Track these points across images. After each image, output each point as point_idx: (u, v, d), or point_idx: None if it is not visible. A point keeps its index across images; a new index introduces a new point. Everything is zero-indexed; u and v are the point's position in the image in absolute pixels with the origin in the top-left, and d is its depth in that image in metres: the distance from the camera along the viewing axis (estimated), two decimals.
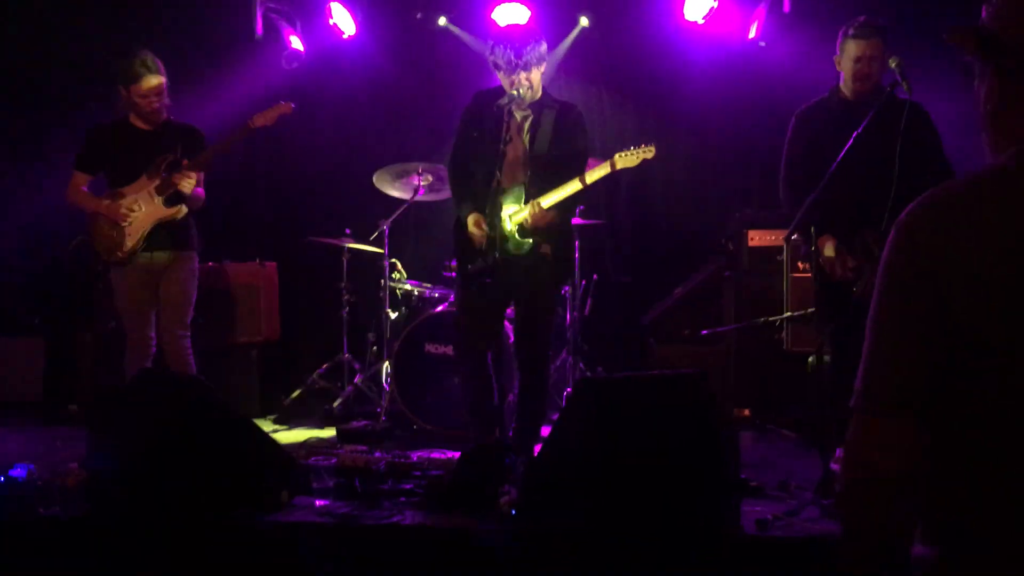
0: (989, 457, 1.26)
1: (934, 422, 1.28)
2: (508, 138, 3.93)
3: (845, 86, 3.98)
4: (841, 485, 1.34)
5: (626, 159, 3.99)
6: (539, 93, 4.07)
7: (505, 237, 3.96)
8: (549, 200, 3.90)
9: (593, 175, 3.95)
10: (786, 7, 5.95)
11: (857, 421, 1.31)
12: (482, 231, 3.93)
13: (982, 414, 1.25)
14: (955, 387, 1.26)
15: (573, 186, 3.91)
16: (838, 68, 3.99)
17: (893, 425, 1.28)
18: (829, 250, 3.79)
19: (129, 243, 4.49)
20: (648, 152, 3.99)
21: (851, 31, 3.89)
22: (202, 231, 4.78)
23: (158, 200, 4.50)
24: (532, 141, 4.01)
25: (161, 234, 4.53)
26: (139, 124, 4.59)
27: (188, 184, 4.44)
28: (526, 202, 3.94)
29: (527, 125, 4.05)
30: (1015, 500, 1.24)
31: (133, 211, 4.50)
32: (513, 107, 4.00)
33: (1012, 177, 1.28)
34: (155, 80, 4.47)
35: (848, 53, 3.90)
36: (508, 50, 3.92)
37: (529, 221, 3.89)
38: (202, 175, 4.60)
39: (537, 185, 3.96)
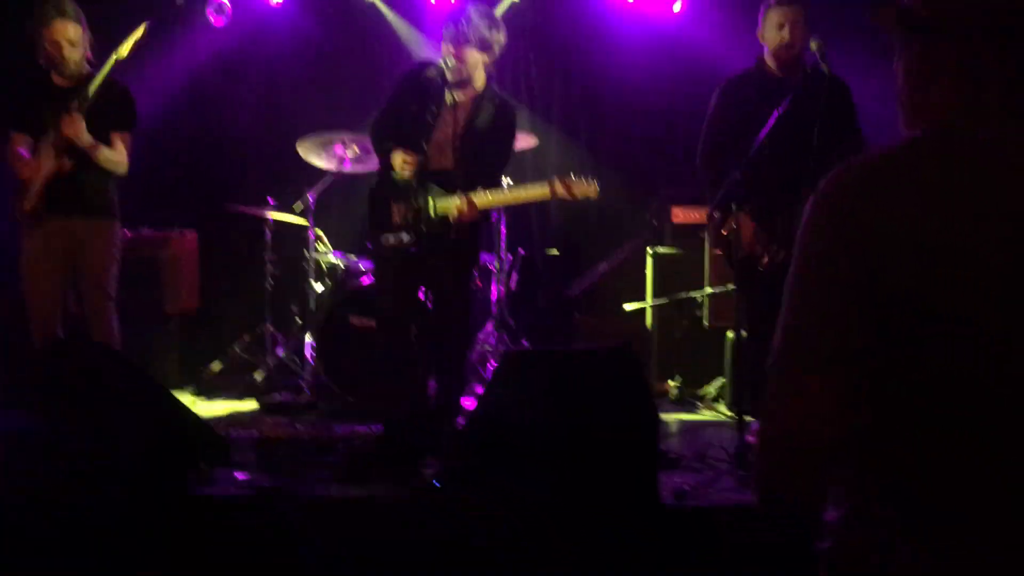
0: (934, 422, 1.26)
1: (866, 386, 1.28)
2: (435, 111, 3.90)
3: (769, 58, 4.03)
4: (758, 443, 1.35)
5: (567, 189, 3.84)
6: (479, 82, 3.98)
7: (428, 216, 3.90)
8: (483, 201, 3.82)
9: (529, 193, 3.90)
10: None
11: (773, 380, 1.31)
12: (411, 165, 3.82)
13: (924, 379, 1.26)
14: (892, 353, 1.27)
15: (510, 195, 3.86)
16: (761, 41, 4.04)
17: (809, 382, 1.27)
18: (741, 220, 3.80)
19: (29, 200, 4.20)
20: (592, 191, 3.85)
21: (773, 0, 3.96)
22: (121, 197, 4.55)
23: (52, 154, 4.16)
24: (466, 130, 3.93)
25: (68, 197, 4.21)
26: (58, 80, 4.28)
27: (69, 127, 4.08)
28: (452, 190, 3.86)
29: (464, 112, 3.98)
30: (959, 464, 1.25)
31: (37, 168, 4.19)
32: (454, 91, 3.95)
33: (929, 147, 1.31)
34: (66, 26, 4.17)
35: (771, 21, 3.96)
36: (461, 19, 3.87)
37: (455, 215, 3.82)
38: (126, 136, 4.31)
39: (464, 175, 3.89)
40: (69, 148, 4.15)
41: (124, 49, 4.19)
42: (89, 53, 4.31)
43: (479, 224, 4.02)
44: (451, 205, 3.83)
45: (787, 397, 1.29)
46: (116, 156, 4.27)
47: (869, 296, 1.25)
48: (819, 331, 1.28)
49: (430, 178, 3.91)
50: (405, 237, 3.87)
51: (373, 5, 6.50)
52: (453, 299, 4.01)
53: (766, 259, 3.84)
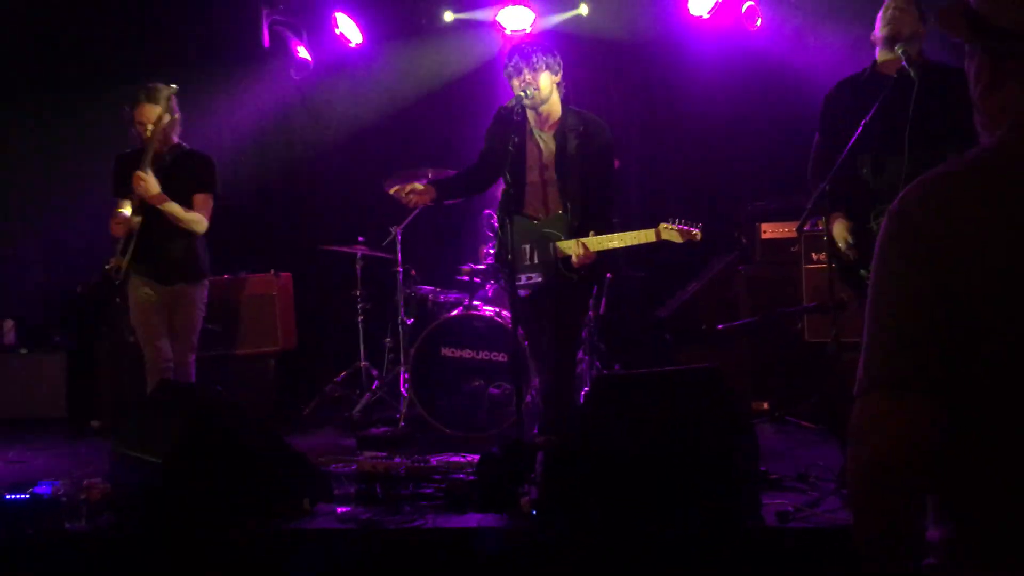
0: (1001, 438, 1.24)
1: (947, 402, 1.26)
2: (517, 142, 3.96)
3: (880, 52, 3.78)
4: (847, 468, 1.33)
5: (672, 233, 3.91)
6: (556, 108, 4.06)
7: (555, 259, 4.02)
8: (596, 245, 3.94)
9: (637, 237, 3.97)
10: None
11: (859, 403, 1.29)
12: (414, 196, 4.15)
13: (990, 396, 1.24)
14: (963, 368, 1.24)
15: (619, 240, 3.95)
16: (873, 41, 3.80)
17: (897, 404, 1.25)
18: (839, 229, 3.69)
19: (121, 261, 4.54)
20: (696, 235, 3.91)
21: None
22: (212, 245, 4.79)
23: (129, 213, 4.53)
24: (561, 169, 4.02)
25: (160, 265, 4.57)
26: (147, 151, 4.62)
27: (138, 186, 4.40)
28: (569, 236, 3.99)
29: (550, 149, 4.05)
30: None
31: (133, 229, 4.52)
32: (535, 128, 4.06)
33: (1000, 157, 1.28)
34: (146, 108, 4.52)
35: (881, 14, 3.78)
36: (515, 53, 3.98)
37: (575, 261, 3.96)
38: (208, 198, 4.63)
39: (579, 217, 4.00)
40: (143, 206, 4.50)
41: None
42: (175, 137, 4.65)
43: (598, 262, 4.10)
44: (569, 250, 3.96)
45: (871, 420, 1.28)
46: (194, 215, 4.59)
47: (940, 314, 1.23)
48: (899, 349, 1.25)
49: (549, 223, 4.05)
50: (536, 278, 4.05)
51: (452, 26, 6.57)
52: (568, 327, 4.12)
53: (865, 269, 3.70)
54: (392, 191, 4.12)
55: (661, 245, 3.97)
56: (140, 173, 4.41)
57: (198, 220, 4.60)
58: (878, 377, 1.27)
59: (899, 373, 1.25)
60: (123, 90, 4.74)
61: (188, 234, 4.60)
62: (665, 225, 3.92)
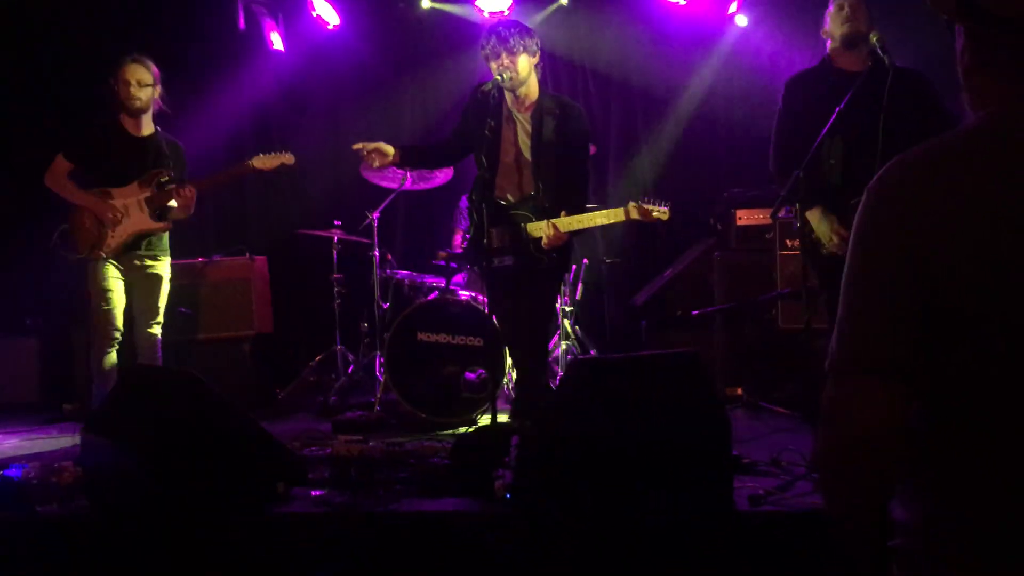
0: (979, 420, 1.24)
1: (918, 384, 1.26)
2: (493, 125, 3.95)
3: (834, 53, 3.90)
4: (817, 447, 1.33)
5: (641, 212, 3.98)
6: (533, 90, 4.07)
7: (525, 241, 4.02)
8: (566, 226, 3.96)
9: (606, 217, 4.01)
10: None
11: (832, 382, 1.29)
12: (374, 155, 4.07)
13: (968, 378, 1.24)
14: (940, 350, 1.24)
15: (588, 220, 3.97)
16: (825, 36, 3.91)
17: (870, 384, 1.25)
18: (815, 217, 3.75)
19: (112, 244, 4.63)
20: (663, 213, 3.98)
21: None
22: (187, 229, 4.89)
23: (146, 211, 4.65)
24: (536, 149, 4.03)
25: (140, 240, 4.68)
26: (132, 129, 4.69)
27: (184, 209, 4.64)
28: (539, 217, 4.00)
29: (525, 127, 4.05)
30: (1000, 465, 1.23)
31: (121, 215, 4.63)
32: (512, 110, 4.05)
33: (981, 138, 1.28)
34: (138, 68, 4.59)
35: (834, 11, 3.85)
36: (492, 35, 3.96)
37: (546, 241, 3.97)
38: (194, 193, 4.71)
39: (549, 199, 4.01)
40: (164, 210, 4.67)
41: (268, 164, 4.76)
42: (160, 103, 4.72)
43: (570, 243, 4.10)
44: (540, 231, 3.98)
45: (846, 400, 1.27)
46: (191, 211, 4.74)
47: (922, 292, 1.23)
48: (874, 330, 1.25)
49: (520, 205, 4.05)
50: (508, 260, 4.06)
51: (429, 14, 6.55)
52: (541, 310, 4.17)
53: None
54: (356, 147, 4.11)
55: (636, 228, 4.01)
56: (191, 192, 4.57)
57: (190, 213, 4.74)
58: (851, 359, 1.27)
59: (873, 356, 1.25)
60: (96, 66, 4.75)
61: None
62: (633, 204, 3.99)
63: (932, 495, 1.30)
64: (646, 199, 4.00)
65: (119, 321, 4.68)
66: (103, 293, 4.66)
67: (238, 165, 4.80)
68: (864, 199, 1.30)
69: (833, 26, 3.84)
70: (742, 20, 6.22)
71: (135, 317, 4.74)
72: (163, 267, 4.78)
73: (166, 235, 4.78)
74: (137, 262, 4.70)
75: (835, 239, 3.70)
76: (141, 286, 4.72)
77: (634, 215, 3.98)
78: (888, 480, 1.29)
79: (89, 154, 4.69)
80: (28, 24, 6.49)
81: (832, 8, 3.86)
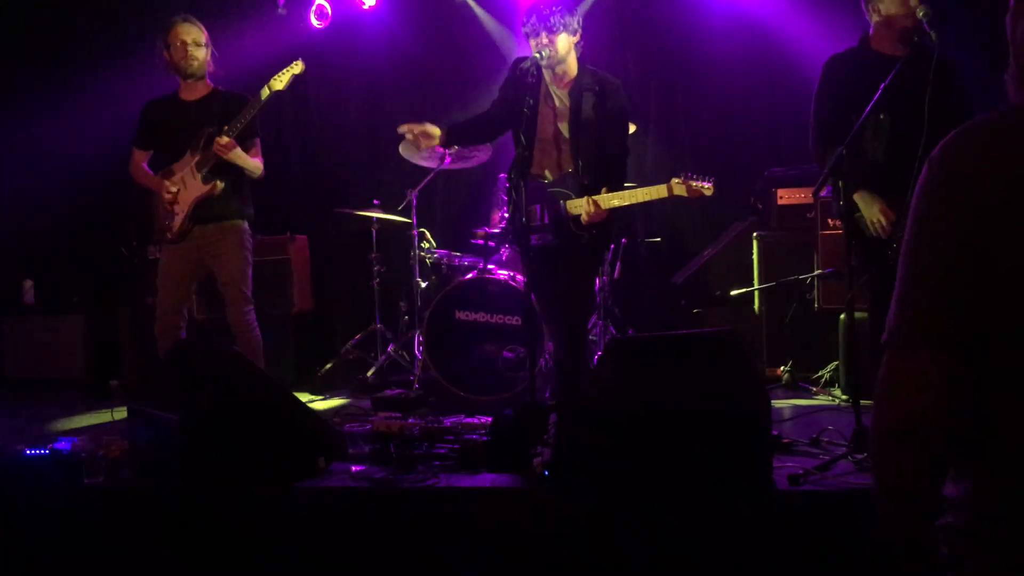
0: None
1: (975, 358, 1.24)
2: (532, 103, 3.94)
3: (876, 33, 3.82)
4: (873, 424, 1.31)
5: (683, 188, 3.91)
6: (572, 67, 4.04)
7: (565, 219, 3.99)
8: (608, 202, 3.91)
9: (649, 193, 3.96)
10: None
11: (890, 356, 1.27)
12: (417, 134, 4.00)
13: (1020, 355, 1.21)
14: (995, 325, 1.22)
15: (630, 196, 3.93)
16: (873, 9, 3.80)
17: (927, 360, 1.23)
18: (861, 200, 3.68)
19: (176, 224, 4.49)
20: (707, 189, 3.92)
21: None
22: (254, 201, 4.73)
23: (198, 177, 4.46)
24: (574, 126, 4.00)
25: (203, 210, 4.49)
26: (186, 95, 4.57)
27: (225, 149, 4.35)
28: (579, 194, 3.95)
29: (565, 104, 4.03)
30: None
31: (175, 190, 4.48)
32: (551, 86, 4.02)
33: None
34: (190, 27, 4.47)
35: None
36: (534, 13, 3.95)
37: (585, 219, 3.93)
38: (257, 142, 4.57)
39: (588, 176, 3.97)
40: (216, 170, 4.44)
41: (280, 82, 4.46)
42: (211, 65, 4.57)
43: (610, 220, 4.07)
44: (580, 208, 3.93)
45: (902, 374, 1.25)
46: (255, 162, 4.56)
47: (988, 265, 1.20)
48: (935, 303, 1.23)
49: (559, 183, 4.02)
50: (547, 238, 4.02)
51: (464, 4, 6.56)
52: (580, 288, 4.11)
53: (895, 243, 3.66)
54: (402, 129, 4.07)
55: (680, 206, 3.97)
56: (230, 141, 4.34)
57: (259, 166, 4.58)
58: (909, 333, 1.25)
59: (931, 330, 1.23)
60: (144, 36, 4.68)
61: (235, 177, 4.54)
62: (676, 180, 3.93)
63: (984, 471, 1.28)
64: (688, 174, 3.94)
65: (177, 310, 4.54)
66: (167, 272, 4.55)
67: (255, 98, 4.42)
68: (926, 170, 1.27)
69: (888, 2, 3.73)
70: None
71: (222, 294, 4.59)
72: (234, 231, 4.54)
73: (236, 198, 4.55)
74: (205, 231, 4.51)
75: (883, 220, 3.64)
76: (219, 258, 4.53)
77: (677, 191, 3.92)
78: (942, 456, 1.28)
79: (155, 136, 4.60)
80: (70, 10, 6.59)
81: None
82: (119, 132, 4.96)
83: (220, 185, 4.47)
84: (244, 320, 4.55)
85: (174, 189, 4.48)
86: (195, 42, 4.48)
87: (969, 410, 1.26)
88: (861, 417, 3.49)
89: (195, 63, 4.50)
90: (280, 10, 6.36)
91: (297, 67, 4.48)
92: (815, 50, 5.14)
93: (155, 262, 4.78)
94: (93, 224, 6.58)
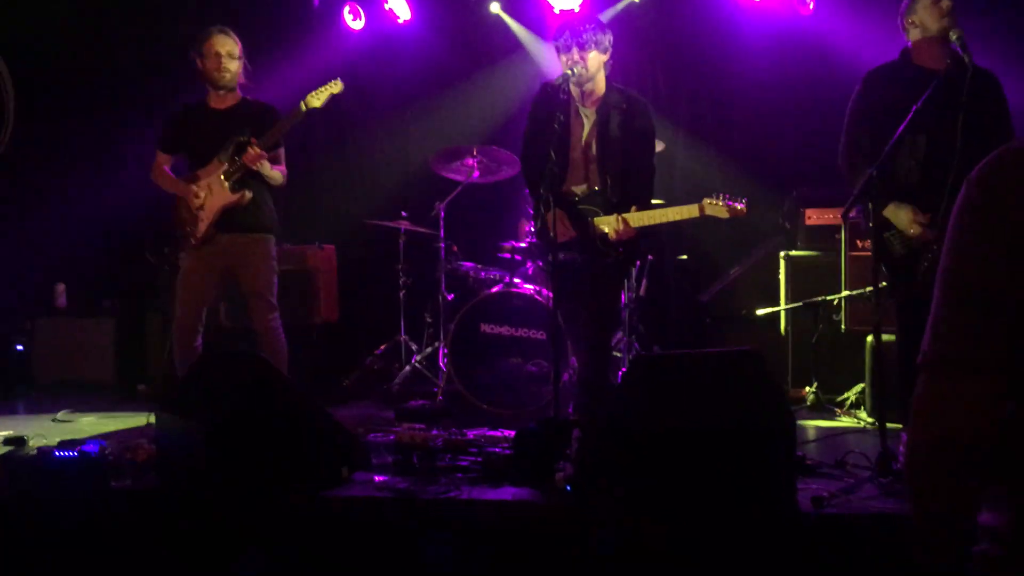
0: None
1: (1015, 382, 1.21)
2: (563, 120, 3.95)
3: (916, 48, 3.78)
4: (909, 447, 1.29)
5: (716, 208, 3.90)
6: (600, 85, 4.04)
7: (593, 236, 3.99)
8: (637, 221, 3.91)
9: (680, 212, 3.96)
10: None
11: (928, 378, 1.25)
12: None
13: None
14: None
15: (661, 215, 3.93)
16: (908, 29, 3.79)
17: (965, 383, 1.21)
18: (891, 211, 3.63)
19: (200, 229, 4.51)
20: (741, 210, 3.90)
21: None
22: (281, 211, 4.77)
23: (226, 185, 4.48)
24: (602, 146, 4.01)
25: (230, 218, 4.51)
26: (215, 104, 4.60)
27: (255, 159, 4.39)
28: (607, 212, 3.96)
29: (593, 127, 4.04)
30: None
31: (203, 196, 4.51)
32: (579, 104, 4.04)
33: None
34: (225, 39, 4.50)
35: (925, 6, 3.71)
36: (567, 29, 3.97)
37: (613, 236, 3.94)
38: (281, 152, 4.62)
39: (617, 194, 3.98)
40: (245, 179, 4.48)
41: (317, 100, 4.50)
42: (243, 74, 4.61)
43: (636, 239, 4.07)
44: (609, 226, 3.94)
45: (940, 398, 1.23)
46: (278, 172, 4.60)
47: (1019, 285, 1.19)
48: (974, 325, 1.21)
49: (588, 199, 4.02)
50: (574, 254, 4.02)
51: (498, 18, 6.62)
52: (605, 305, 4.12)
53: (929, 257, 3.62)
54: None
55: (707, 224, 3.95)
56: (260, 152, 4.39)
57: (280, 175, 4.61)
58: (946, 355, 1.23)
59: (969, 352, 1.21)
60: (175, 47, 4.73)
61: (262, 187, 4.58)
62: (709, 200, 3.91)
63: (1022, 499, 1.26)
64: (720, 195, 3.91)
65: (195, 319, 4.55)
66: (187, 279, 4.57)
67: (292, 111, 4.48)
68: (963, 191, 1.26)
69: (929, 18, 3.71)
70: (813, 14, 6.12)
71: (247, 303, 4.60)
72: (262, 244, 4.57)
73: (264, 210, 4.59)
74: (231, 240, 4.52)
75: (916, 228, 3.60)
76: (246, 269, 4.54)
77: (709, 211, 3.90)
78: (979, 482, 1.26)
79: (182, 141, 4.64)
80: (103, 15, 6.69)
81: (926, 1, 3.73)
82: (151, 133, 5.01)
83: (248, 195, 4.51)
84: (270, 327, 4.58)
85: (202, 194, 4.51)
86: (229, 54, 4.51)
87: (1008, 435, 1.24)
88: (887, 440, 3.47)
89: (228, 75, 4.53)
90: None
91: (336, 87, 4.52)
92: (846, 69, 5.12)
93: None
94: (126, 230, 6.67)
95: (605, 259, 4.00)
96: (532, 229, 5.30)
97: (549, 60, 6.23)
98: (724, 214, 3.89)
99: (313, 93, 4.50)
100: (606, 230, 3.95)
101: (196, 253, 4.57)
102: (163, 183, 4.67)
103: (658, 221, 3.94)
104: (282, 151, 4.65)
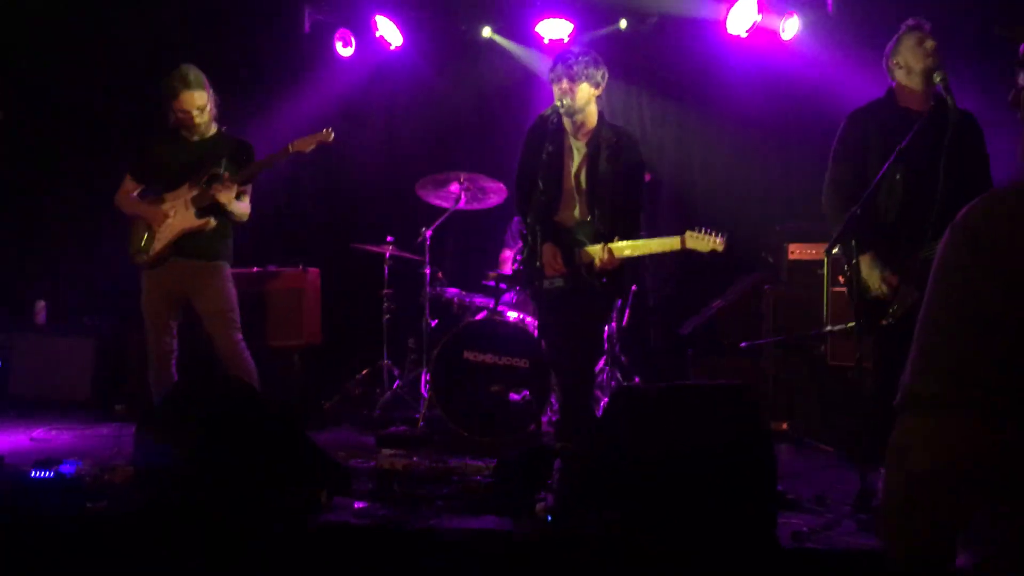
0: None
1: (1009, 425, 1.22)
2: (551, 150, 3.99)
3: (901, 89, 3.85)
4: (886, 486, 1.30)
5: (697, 242, 3.98)
6: (591, 119, 4.09)
7: (579, 264, 4.03)
8: (620, 251, 3.96)
9: (662, 244, 4.02)
10: (829, 6, 5.96)
11: (905, 419, 1.26)
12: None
13: None
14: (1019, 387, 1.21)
15: (643, 246, 3.99)
16: (893, 69, 3.87)
17: (949, 422, 1.22)
18: (865, 263, 3.71)
19: (156, 247, 4.56)
20: (719, 245, 3.98)
21: (913, 25, 3.83)
22: (243, 239, 4.82)
23: (191, 210, 4.54)
24: (591, 178, 4.06)
25: (188, 243, 4.57)
26: (188, 135, 4.66)
27: (226, 196, 4.48)
28: (594, 242, 4.00)
29: (583, 160, 4.08)
30: None
31: (167, 217, 4.56)
32: (571, 137, 4.09)
33: None
34: (192, 95, 4.53)
35: (910, 47, 3.79)
36: (560, 60, 4.03)
37: (598, 265, 3.98)
38: (249, 189, 4.67)
39: (602, 224, 4.02)
40: (212, 208, 4.53)
41: (305, 145, 4.57)
42: (214, 110, 4.67)
43: (623, 270, 4.11)
44: (594, 255, 3.98)
45: (921, 437, 1.25)
46: (244, 208, 4.66)
47: (1013, 330, 1.21)
48: (956, 367, 1.23)
49: (575, 229, 4.06)
50: (560, 282, 4.04)
51: (490, 41, 6.65)
52: (589, 334, 4.16)
53: (895, 306, 3.68)
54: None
55: (688, 258, 3.99)
56: (230, 185, 4.45)
57: (247, 212, 4.67)
58: (932, 396, 1.25)
59: (948, 392, 1.23)
60: (158, 72, 4.76)
61: (223, 220, 4.62)
62: (691, 233, 3.98)
63: (997, 539, 1.26)
64: (701, 229, 3.98)
65: (165, 341, 4.59)
66: (148, 301, 4.62)
67: (279, 151, 4.56)
68: (948, 236, 1.28)
69: (913, 59, 3.78)
70: (797, 51, 6.21)
71: (207, 328, 4.62)
72: (219, 271, 4.62)
73: (224, 241, 4.66)
74: (187, 266, 4.58)
75: (884, 288, 3.67)
76: (201, 293, 4.59)
77: (690, 244, 3.98)
78: (954, 522, 1.26)
79: (152, 169, 4.68)
80: (89, 31, 6.69)
81: (910, 41, 3.80)
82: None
83: (212, 223, 4.56)
84: (234, 347, 4.59)
85: (167, 215, 4.56)
86: (199, 108, 4.56)
87: (987, 475, 1.25)
88: (866, 476, 3.48)
89: (201, 126, 4.62)
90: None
91: (327, 136, 4.60)
92: (830, 107, 5.19)
93: None
94: (100, 246, 6.63)
95: (591, 287, 4.02)
96: (513, 256, 5.33)
97: (542, 84, 6.28)
98: (704, 248, 3.97)
99: (303, 139, 4.57)
100: (591, 259, 3.98)
101: (151, 274, 4.62)
102: (127, 208, 4.71)
103: (641, 252, 3.99)
104: (249, 188, 4.68)
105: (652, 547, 3.00)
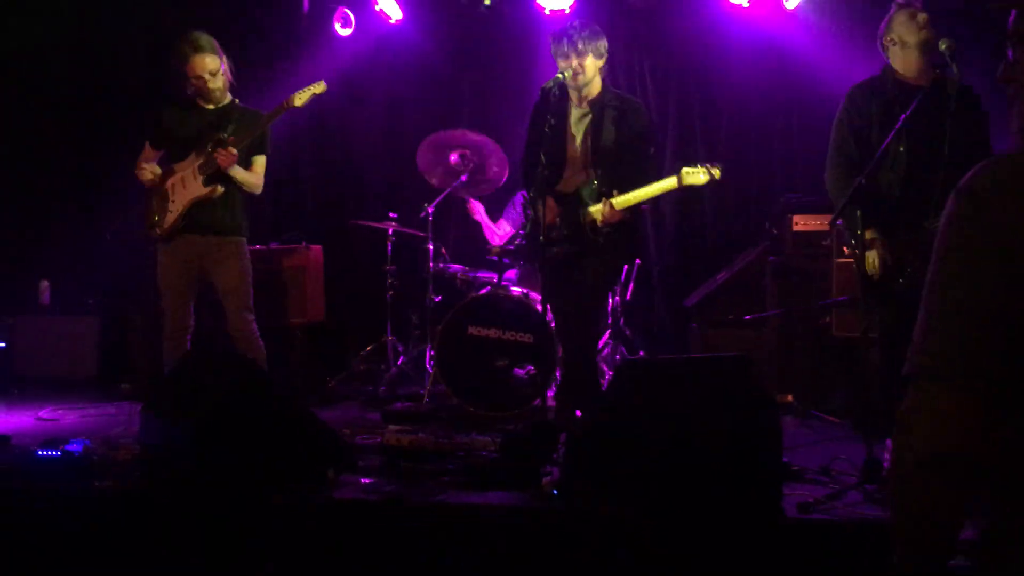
0: None
1: (1006, 393, 1.21)
2: (553, 123, 3.98)
3: (896, 63, 3.82)
4: (895, 457, 1.29)
5: (693, 177, 3.98)
6: (595, 88, 4.12)
7: (582, 225, 4.04)
8: (621, 201, 3.96)
9: (659, 188, 4.01)
10: None
11: (916, 388, 1.25)
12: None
13: None
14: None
15: (643, 192, 3.98)
16: (886, 45, 3.84)
17: (957, 391, 1.21)
18: (870, 252, 3.68)
19: (169, 219, 4.52)
20: (716, 172, 3.98)
21: (902, 3, 3.80)
22: (250, 215, 4.78)
23: (199, 179, 4.49)
24: (595, 140, 4.07)
25: (203, 217, 4.53)
26: (203, 104, 4.60)
27: (226, 160, 4.39)
28: (597, 202, 4.02)
29: (588, 124, 4.09)
30: None
31: (176, 188, 4.53)
32: (572, 104, 4.08)
33: None
34: (204, 59, 4.47)
35: (901, 23, 3.77)
36: (564, 36, 4.04)
37: (599, 220, 3.99)
38: (261, 161, 4.62)
39: (607, 184, 4.03)
40: (218, 175, 4.48)
41: (299, 99, 4.48)
42: (230, 76, 4.61)
43: (631, 228, 4.13)
44: (595, 213, 4.00)
45: (926, 412, 1.24)
46: (254, 179, 4.61)
47: (1012, 293, 1.19)
48: (961, 336, 1.22)
49: (580, 191, 4.09)
50: (566, 246, 4.07)
51: (491, 11, 6.56)
52: (594, 299, 4.18)
53: (901, 280, 3.67)
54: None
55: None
56: (231, 150, 4.39)
57: (259, 184, 4.62)
58: (934, 366, 1.24)
59: (957, 363, 1.21)
60: (157, 48, 4.70)
61: (236, 192, 4.58)
62: (687, 169, 4.00)
63: (1003, 512, 1.26)
64: (696, 164, 4.02)
65: (182, 315, 4.56)
66: (167, 278, 4.58)
67: (273, 110, 4.48)
68: (952, 203, 1.26)
69: (907, 33, 3.75)
70: (801, 21, 6.15)
71: (222, 304, 4.60)
72: (236, 248, 4.59)
73: (236, 213, 4.60)
74: (205, 242, 4.54)
75: (875, 270, 3.65)
76: (218, 269, 4.55)
77: (687, 181, 3.99)
78: (962, 495, 1.26)
79: (167, 136, 4.63)
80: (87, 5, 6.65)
81: (902, 17, 3.78)
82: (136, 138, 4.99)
83: (220, 189, 4.50)
84: (246, 328, 4.58)
85: (176, 186, 4.52)
86: (212, 72, 4.49)
87: (993, 446, 1.24)
88: (873, 447, 3.48)
89: (216, 92, 4.55)
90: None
91: (319, 87, 4.52)
92: (834, 78, 5.15)
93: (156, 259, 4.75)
94: (105, 225, 6.62)
95: (595, 247, 4.02)
96: (513, 234, 5.34)
97: (544, 56, 6.23)
98: (702, 181, 3.99)
99: (296, 93, 4.49)
100: (595, 216, 3.99)
101: (167, 249, 4.59)
102: (142, 177, 4.64)
103: (641, 199, 4.01)
104: (263, 159, 4.63)
105: (657, 519, 3.00)
